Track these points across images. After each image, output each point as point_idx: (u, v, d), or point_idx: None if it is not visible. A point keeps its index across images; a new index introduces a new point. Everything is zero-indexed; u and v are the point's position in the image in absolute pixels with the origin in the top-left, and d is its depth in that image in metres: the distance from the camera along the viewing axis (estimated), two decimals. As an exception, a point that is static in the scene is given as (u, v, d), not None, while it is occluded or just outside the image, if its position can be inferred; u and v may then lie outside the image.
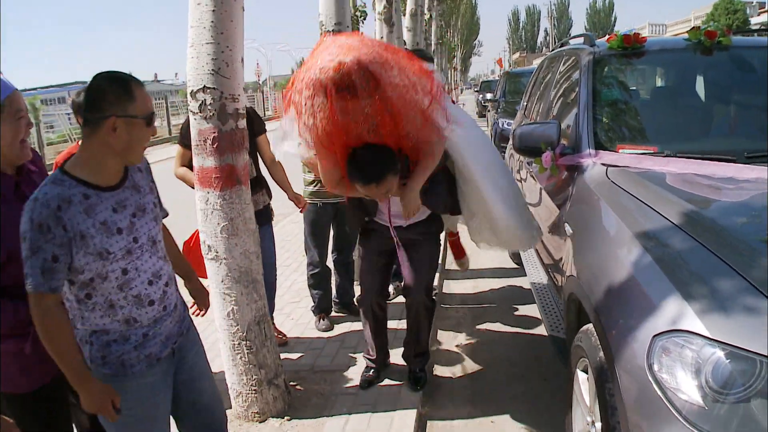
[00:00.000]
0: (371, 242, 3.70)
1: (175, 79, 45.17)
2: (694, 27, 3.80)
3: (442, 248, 4.81)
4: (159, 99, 33.77)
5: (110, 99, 2.02)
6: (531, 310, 4.91)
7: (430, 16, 19.10)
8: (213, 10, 2.97)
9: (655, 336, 1.91)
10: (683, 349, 1.83)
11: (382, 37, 9.74)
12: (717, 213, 2.50)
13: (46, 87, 66.26)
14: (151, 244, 2.23)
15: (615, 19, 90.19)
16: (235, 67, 3.07)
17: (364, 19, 12.05)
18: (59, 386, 2.36)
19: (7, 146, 2.18)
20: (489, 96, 16.28)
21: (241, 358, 3.41)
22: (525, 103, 6.29)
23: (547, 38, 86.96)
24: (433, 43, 20.26)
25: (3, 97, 2.12)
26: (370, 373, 3.90)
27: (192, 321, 2.58)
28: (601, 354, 2.23)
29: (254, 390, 3.47)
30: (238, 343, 3.38)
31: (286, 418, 3.54)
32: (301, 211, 4.54)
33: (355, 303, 4.64)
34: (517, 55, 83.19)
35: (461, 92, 65.37)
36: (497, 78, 28.42)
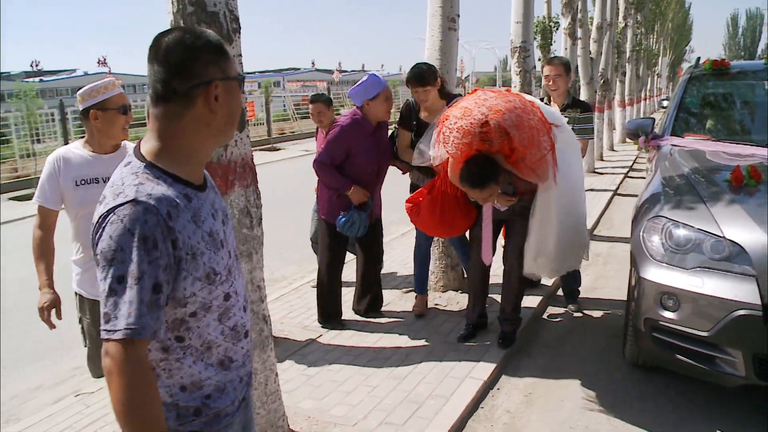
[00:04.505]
0: (477, 221, 4.44)
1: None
2: (772, 57, 5.41)
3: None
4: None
5: (206, 58, 1.53)
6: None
7: (625, 24, 20.22)
8: (441, 40, 5.21)
9: (647, 219, 3.81)
10: (657, 225, 3.72)
11: (566, 49, 11.49)
12: (713, 168, 4.27)
13: (263, 72, 74.23)
14: (236, 259, 1.76)
15: None
16: (451, 74, 5.29)
17: (557, 29, 13.68)
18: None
19: (382, 112, 4.57)
20: (665, 104, 17.36)
21: (437, 249, 5.62)
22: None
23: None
24: (627, 50, 21.25)
25: (383, 87, 4.52)
26: (464, 330, 4.69)
27: None
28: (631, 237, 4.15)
29: (442, 270, 5.68)
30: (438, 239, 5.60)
31: (459, 291, 5.69)
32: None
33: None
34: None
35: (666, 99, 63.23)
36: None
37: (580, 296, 5.55)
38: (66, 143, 9.67)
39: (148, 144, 1.57)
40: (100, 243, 1.42)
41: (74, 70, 64.13)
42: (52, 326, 3.12)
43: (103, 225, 1.42)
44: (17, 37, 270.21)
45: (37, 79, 42.15)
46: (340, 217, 4.69)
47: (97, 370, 3.34)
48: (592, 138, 5.91)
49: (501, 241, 4.77)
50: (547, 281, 5.81)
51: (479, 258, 4.51)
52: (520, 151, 3.76)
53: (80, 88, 3.17)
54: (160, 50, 1.53)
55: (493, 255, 4.57)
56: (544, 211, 4.20)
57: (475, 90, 4.05)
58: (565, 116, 5.10)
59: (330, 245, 4.92)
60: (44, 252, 3.14)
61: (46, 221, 3.15)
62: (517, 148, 3.74)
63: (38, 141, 16.86)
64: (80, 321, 3.29)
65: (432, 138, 4.14)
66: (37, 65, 35.02)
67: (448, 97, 4.70)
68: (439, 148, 3.96)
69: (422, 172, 4.76)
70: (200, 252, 1.53)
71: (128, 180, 1.48)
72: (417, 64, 4.64)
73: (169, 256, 1.44)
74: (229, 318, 1.65)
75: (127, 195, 1.43)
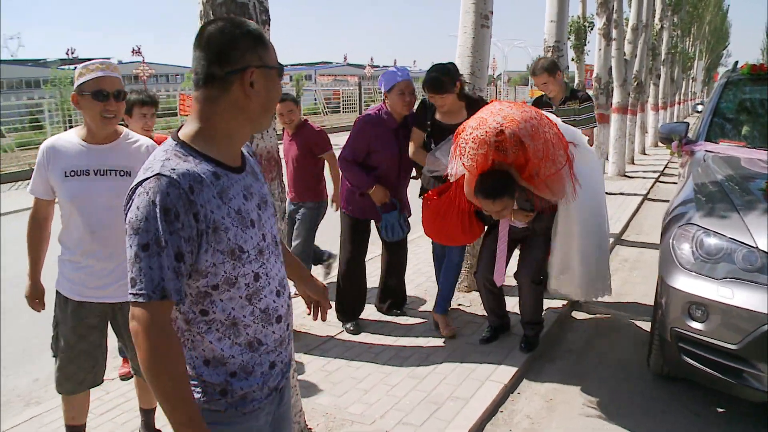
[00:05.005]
0: (491, 232, 4.51)
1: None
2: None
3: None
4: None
5: (244, 46, 1.63)
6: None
7: (661, 26, 19.88)
8: (473, 38, 5.15)
9: (678, 226, 3.73)
10: (688, 232, 3.64)
11: (600, 50, 11.33)
12: (748, 176, 4.16)
13: (295, 65, 74.70)
14: (275, 245, 1.80)
15: None
16: (483, 72, 5.23)
17: (591, 29, 13.47)
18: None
19: (399, 105, 4.48)
20: (699, 108, 17.09)
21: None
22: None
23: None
24: (662, 52, 20.91)
25: (399, 80, 4.43)
26: (486, 333, 4.66)
27: None
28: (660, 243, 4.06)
29: (466, 271, 5.62)
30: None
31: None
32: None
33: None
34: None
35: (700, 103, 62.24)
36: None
37: (605, 302, 5.47)
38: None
39: (188, 126, 1.66)
40: (129, 213, 1.52)
41: (109, 59, 64.78)
42: (38, 310, 3.18)
43: (132, 197, 1.53)
44: (54, 22, 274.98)
45: (72, 66, 42.66)
46: (380, 226, 4.74)
47: (66, 385, 3.03)
48: (596, 126, 5.94)
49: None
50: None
51: (485, 272, 4.47)
52: (535, 163, 3.74)
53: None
54: (203, 38, 1.63)
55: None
56: (565, 227, 4.24)
57: (492, 101, 4.06)
58: (566, 109, 5.51)
59: (351, 239, 4.88)
60: (33, 242, 3.08)
61: (38, 211, 3.03)
62: (531, 159, 3.72)
63: (71, 128, 16.97)
64: (55, 327, 3.03)
65: (449, 150, 4.08)
66: (72, 53, 35.53)
67: (467, 99, 4.61)
68: (456, 163, 3.92)
69: (433, 177, 4.66)
70: (224, 227, 1.58)
71: (158, 156, 1.58)
72: (434, 67, 4.48)
73: (192, 228, 1.52)
74: (259, 300, 1.69)
75: (153, 170, 1.53)
